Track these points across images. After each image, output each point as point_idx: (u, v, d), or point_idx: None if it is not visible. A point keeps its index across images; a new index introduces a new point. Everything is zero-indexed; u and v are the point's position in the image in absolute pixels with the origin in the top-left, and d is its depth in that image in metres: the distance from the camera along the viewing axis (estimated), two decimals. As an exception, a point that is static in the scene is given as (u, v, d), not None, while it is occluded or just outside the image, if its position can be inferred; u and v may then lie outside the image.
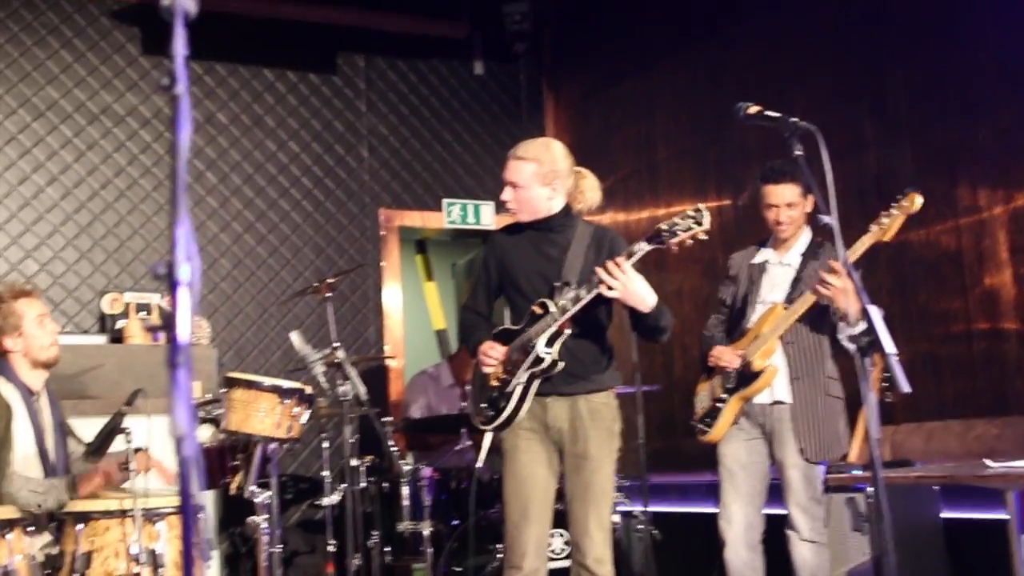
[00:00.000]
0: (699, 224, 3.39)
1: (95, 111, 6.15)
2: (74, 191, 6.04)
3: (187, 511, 1.55)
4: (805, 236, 4.27)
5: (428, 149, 7.13)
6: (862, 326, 2.74)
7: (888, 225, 3.82)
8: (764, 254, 4.34)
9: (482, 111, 7.36)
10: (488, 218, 7.18)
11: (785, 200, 4.17)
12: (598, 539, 3.60)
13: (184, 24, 1.58)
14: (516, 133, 7.30)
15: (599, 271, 3.47)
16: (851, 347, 3.84)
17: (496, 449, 4.20)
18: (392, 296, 6.87)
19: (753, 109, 2.94)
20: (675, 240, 3.42)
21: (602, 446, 3.63)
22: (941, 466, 4.44)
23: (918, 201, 3.77)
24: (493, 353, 3.68)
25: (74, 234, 6.00)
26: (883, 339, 2.56)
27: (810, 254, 4.21)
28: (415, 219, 7.04)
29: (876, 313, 2.63)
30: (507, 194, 3.72)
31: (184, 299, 1.55)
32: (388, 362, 6.71)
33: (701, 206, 3.40)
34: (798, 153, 2.77)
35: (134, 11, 6.29)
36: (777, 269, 4.26)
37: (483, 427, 3.77)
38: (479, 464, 4.43)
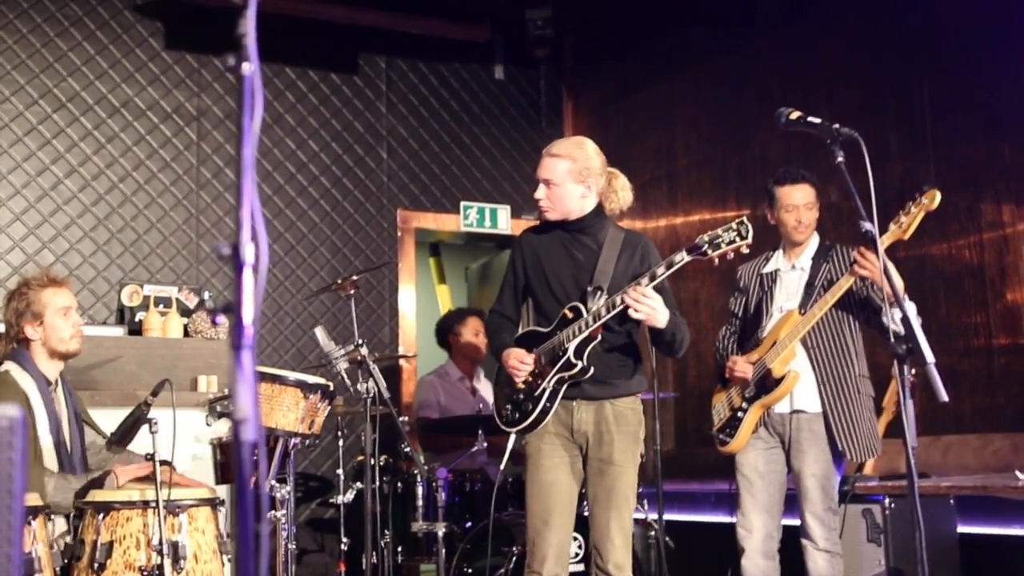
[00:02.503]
0: (742, 237, 3.38)
1: (116, 104, 6.15)
2: (92, 183, 6.03)
3: (244, 495, 1.54)
4: (815, 240, 4.29)
5: (447, 152, 7.13)
6: (910, 307, 2.74)
7: (907, 223, 3.81)
8: (775, 262, 4.35)
9: (501, 115, 7.36)
10: (504, 222, 7.18)
11: (804, 201, 4.20)
12: (619, 544, 3.59)
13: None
14: (535, 138, 7.32)
15: (626, 298, 3.46)
16: (896, 327, 3.86)
17: (513, 453, 4.20)
18: (407, 298, 6.86)
19: (795, 115, 2.94)
20: (717, 252, 3.41)
21: (626, 451, 3.62)
22: (973, 477, 4.44)
23: (937, 198, 3.76)
24: (526, 361, 3.67)
25: (91, 226, 6.00)
26: (923, 348, 2.55)
27: (821, 257, 4.22)
28: (432, 221, 7.04)
29: (916, 322, 2.63)
30: (540, 192, 3.70)
31: (248, 280, 1.54)
32: (402, 363, 6.70)
33: (744, 219, 3.39)
34: (839, 160, 2.76)
35: (157, 5, 6.29)
36: (790, 275, 4.27)
37: (508, 429, 3.75)
38: (502, 466, 4.42)
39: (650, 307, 3.46)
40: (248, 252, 1.54)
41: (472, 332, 6.00)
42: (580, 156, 3.67)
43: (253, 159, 1.56)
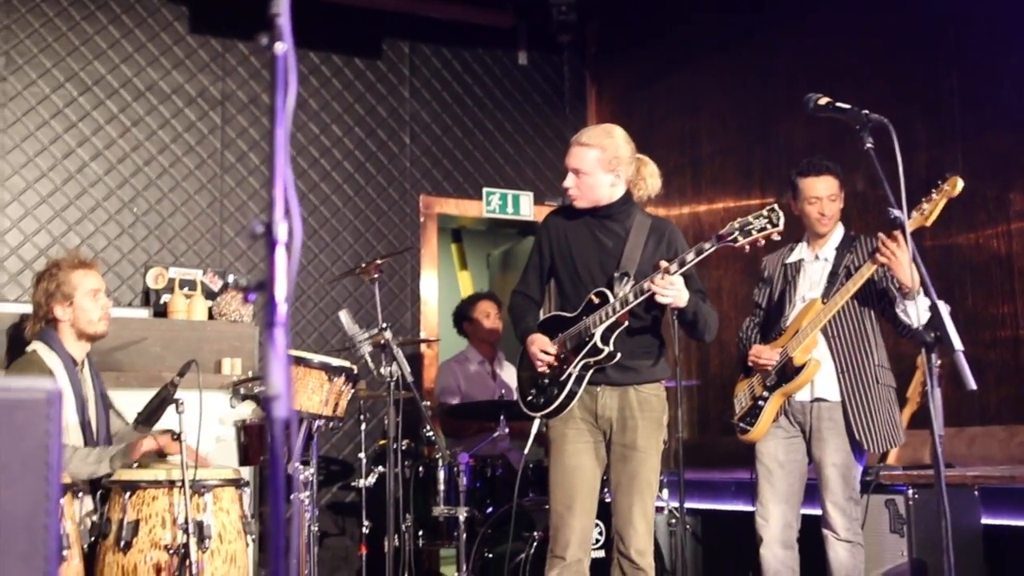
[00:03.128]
0: (773, 225, 3.38)
1: (141, 88, 6.17)
2: (118, 166, 6.06)
3: (276, 470, 1.55)
4: (839, 231, 4.28)
5: (470, 137, 7.12)
6: (925, 302, 2.72)
7: (929, 210, 3.79)
8: (799, 252, 4.34)
9: (525, 101, 7.35)
10: (527, 208, 7.17)
11: (828, 192, 4.19)
12: (641, 530, 3.59)
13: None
14: (558, 125, 7.31)
15: (652, 284, 3.46)
16: (907, 321, 3.86)
17: (537, 438, 4.21)
18: (429, 283, 6.87)
19: (823, 100, 2.92)
20: (748, 240, 3.41)
21: (650, 437, 3.62)
22: (999, 468, 4.42)
23: (959, 185, 3.73)
24: (549, 351, 3.67)
25: (116, 209, 6.03)
26: (951, 335, 2.54)
27: (845, 247, 4.20)
28: (454, 207, 7.04)
29: (944, 309, 2.61)
30: (569, 181, 3.69)
31: (281, 258, 1.55)
32: (424, 349, 6.72)
33: (775, 206, 3.38)
34: (869, 146, 2.75)
35: (183, -11, 6.31)
36: (813, 266, 4.26)
37: (532, 414, 3.76)
38: (526, 450, 4.42)
39: (675, 292, 3.47)
40: (281, 230, 1.55)
41: (484, 315, 6.00)
42: (609, 145, 3.66)
43: (287, 138, 1.57)
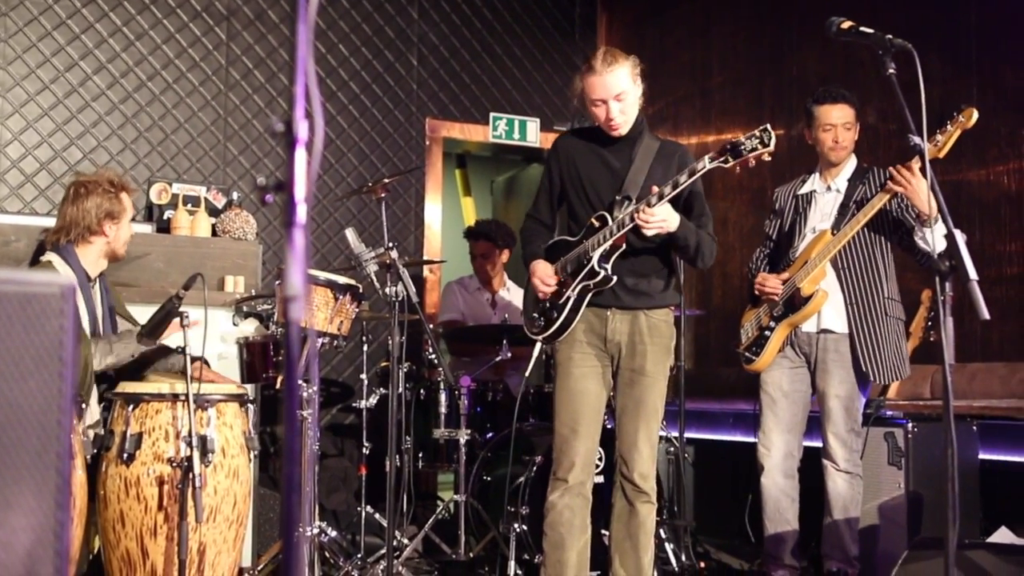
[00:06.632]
0: (764, 144, 3.33)
1: (146, 1, 6.06)
2: (121, 80, 5.98)
3: (292, 373, 1.53)
4: (852, 162, 4.26)
5: (478, 61, 7.03)
6: (940, 229, 2.70)
7: (943, 142, 3.77)
8: (811, 183, 4.32)
9: (535, 27, 7.24)
10: (534, 135, 7.10)
11: (843, 120, 4.17)
12: (646, 454, 3.60)
13: None
14: (568, 52, 7.21)
15: (636, 217, 3.43)
16: (927, 249, 3.85)
17: (537, 363, 4.20)
18: (433, 208, 6.83)
19: (846, 24, 2.86)
20: (739, 160, 3.37)
21: (658, 362, 3.62)
22: (1002, 401, 4.43)
23: (974, 116, 3.70)
24: (549, 281, 3.66)
25: (119, 124, 5.96)
26: (966, 265, 2.52)
27: (857, 179, 4.18)
28: (460, 131, 6.96)
29: (960, 238, 2.59)
30: (615, 111, 3.54)
31: (301, 158, 1.52)
32: (427, 272, 6.70)
33: (767, 126, 3.34)
34: (891, 71, 2.70)
35: (190, -100, 6.18)
36: (824, 197, 4.25)
37: (535, 336, 3.75)
38: (527, 373, 4.42)
39: (659, 223, 3.44)
40: (302, 128, 1.52)
41: (480, 253, 5.97)
42: (629, 58, 3.57)
43: (310, 36, 1.53)
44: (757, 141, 3.35)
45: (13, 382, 1.51)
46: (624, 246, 3.58)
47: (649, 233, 3.47)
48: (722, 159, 3.39)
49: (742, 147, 3.36)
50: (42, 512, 1.53)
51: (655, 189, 3.46)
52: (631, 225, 3.48)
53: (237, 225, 5.23)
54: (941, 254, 2.61)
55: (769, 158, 3.37)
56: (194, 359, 3.55)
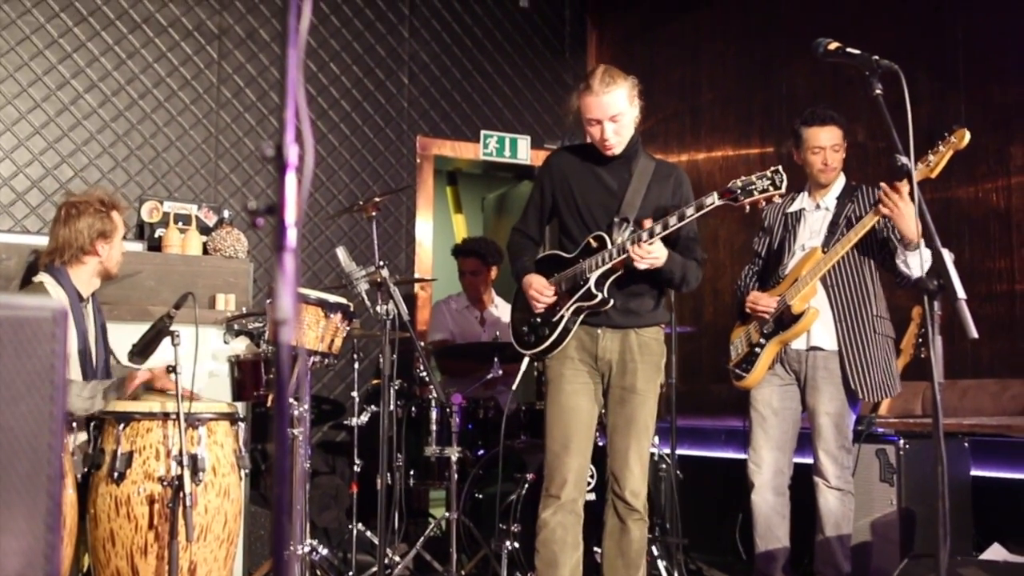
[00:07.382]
0: (776, 187, 3.35)
1: (137, 19, 6.08)
2: (112, 99, 5.99)
3: (283, 393, 1.53)
4: (840, 180, 4.28)
5: (468, 79, 7.06)
6: (926, 253, 2.71)
7: (935, 162, 3.77)
8: (800, 201, 4.34)
9: (525, 45, 7.28)
10: (524, 152, 7.13)
11: (831, 142, 4.19)
12: (637, 472, 3.61)
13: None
14: (558, 70, 7.24)
15: (632, 250, 3.44)
16: (907, 272, 3.87)
17: (526, 379, 4.21)
18: (424, 225, 6.84)
19: (833, 45, 2.88)
20: (749, 200, 3.39)
21: (649, 380, 3.63)
22: (992, 419, 4.44)
23: (966, 137, 3.71)
24: (547, 293, 3.66)
25: (111, 142, 5.96)
26: (954, 284, 2.54)
27: (846, 197, 4.20)
28: (450, 149, 6.98)
29: (948, 257, 2.60)
30: (609, 131, 3.54)
31: (292, 182, 1.53)
32: (418, 290, 6.70)
33: (779, 168, 3.37)
34: (878, 92, 2.72)
35: (181, -81, 6.20)
36: (814, 215, 4.26)
37: (524, 352, 3.76)
38: (514, 386, 4.43)
39: (652, 259, 3.47)
40: (292, 153, 1.52)
41: (469, 271, 5.98)
42: (628, 79, 3.57)
43: (300, 59, 1.54)
44: (768, 183, 3.36)
45: (4, 405, 1.51)
46: (622, 270, 3.59)
47: (640, 267, 3.48)
48: (732, 197, 3.40)
49: (753, 187, 3.38)
50: (32, 535, 1.53)
51: (647, 224, 3.47)
52: (622, 256, 3.50)
53: (228, 243, 5.24)
54: (929, 272, 2.62)
55: (779, 200, 3.40)
56: (170, 368, 3.54)
